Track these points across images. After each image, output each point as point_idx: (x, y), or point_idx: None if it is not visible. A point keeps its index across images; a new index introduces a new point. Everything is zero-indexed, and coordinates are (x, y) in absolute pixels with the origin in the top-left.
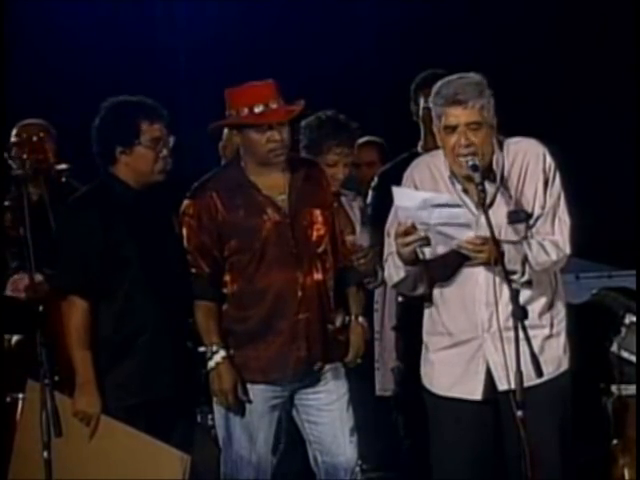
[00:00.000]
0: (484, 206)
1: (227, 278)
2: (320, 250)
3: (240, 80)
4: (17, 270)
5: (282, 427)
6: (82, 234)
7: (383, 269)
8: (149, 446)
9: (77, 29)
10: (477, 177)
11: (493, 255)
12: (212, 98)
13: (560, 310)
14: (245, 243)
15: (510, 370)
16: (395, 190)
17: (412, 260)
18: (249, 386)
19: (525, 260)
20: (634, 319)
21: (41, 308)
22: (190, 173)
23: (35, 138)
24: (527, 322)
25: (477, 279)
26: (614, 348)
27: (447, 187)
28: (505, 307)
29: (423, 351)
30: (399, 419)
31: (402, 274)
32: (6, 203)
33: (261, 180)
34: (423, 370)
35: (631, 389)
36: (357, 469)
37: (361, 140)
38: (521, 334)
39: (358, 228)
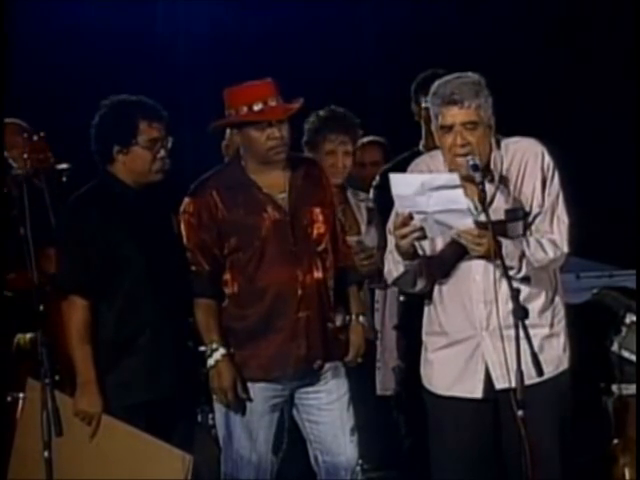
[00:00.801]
0: (484, 205)
1: (227, 276)
2: (320, 249)
3: (240, 80)
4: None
5: (284, 427)
6: (82, 233)
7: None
8: (151, 446)
9: (77, 28)
10: (478, 177)
11: (492, 248)
12: (212, 98)
13: (560, 309)
14: (245, 241)
15: (509, 369)
16: (392, 177)
17: (411, 254)
18: (249, 385)
19: (522, 256)
20: (634, 318)
21: (41, 308)
22: (190, 173)
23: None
24: (527, 321)
25: (474, 277)
26: (614, 347)
27: None
28: (503, 305)
29: (422, 351)
30: (400, 418)
31: (401, 269)
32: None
33: (261, 178)
34: (423, 370)
35: (631, 389)
36: (358, 468)
37: (364, 140)
38: (521, 333)
39: (364, 228)
